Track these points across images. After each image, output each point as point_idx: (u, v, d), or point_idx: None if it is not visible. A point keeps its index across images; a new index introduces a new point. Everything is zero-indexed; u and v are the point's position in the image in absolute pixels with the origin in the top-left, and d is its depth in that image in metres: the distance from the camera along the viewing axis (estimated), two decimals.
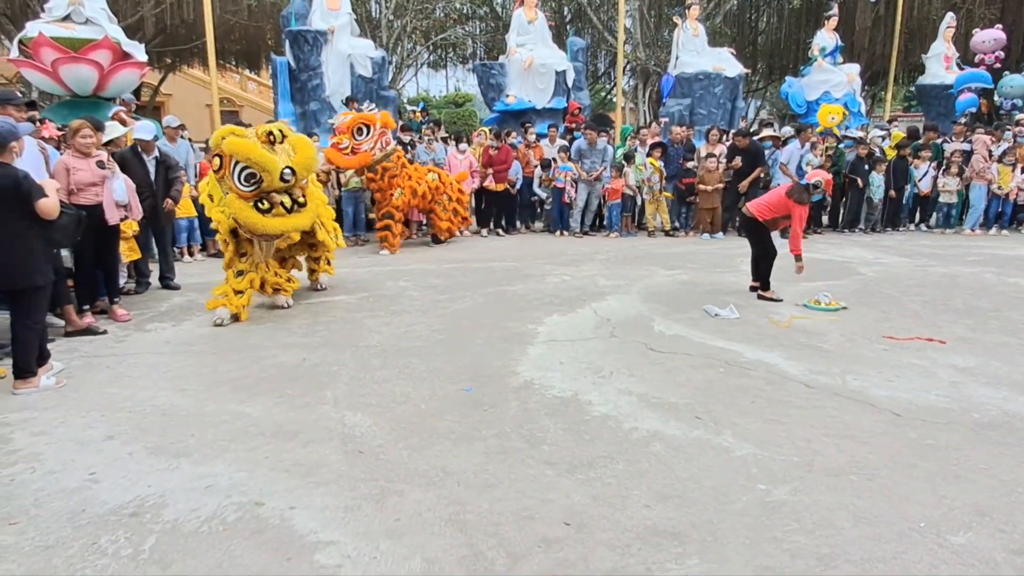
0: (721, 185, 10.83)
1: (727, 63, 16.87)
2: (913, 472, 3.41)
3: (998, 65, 18.71)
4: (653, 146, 11.50)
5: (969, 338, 5.65)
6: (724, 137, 11.71)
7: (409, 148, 11.55)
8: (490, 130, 12.23)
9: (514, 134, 12.07)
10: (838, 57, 18.18)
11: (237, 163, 5.66)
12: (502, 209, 11.61)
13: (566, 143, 11.54)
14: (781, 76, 22.40)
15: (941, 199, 12.03)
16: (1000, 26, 19.22)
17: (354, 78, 13.27)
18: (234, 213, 5.78)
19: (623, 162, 11.12)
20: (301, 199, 5.96)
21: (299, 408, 4.16)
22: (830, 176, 7.94)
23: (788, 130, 14.04)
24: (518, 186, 11.40)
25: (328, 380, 4.64)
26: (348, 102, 12.28)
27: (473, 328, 5.87)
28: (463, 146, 11.18)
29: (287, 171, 5.73)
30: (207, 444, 3.67)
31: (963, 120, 14.40)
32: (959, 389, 4.51)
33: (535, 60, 15.14)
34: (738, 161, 10.91)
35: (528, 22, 15.94)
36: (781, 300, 6.84)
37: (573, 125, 14.11)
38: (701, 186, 11.01)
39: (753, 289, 7.11)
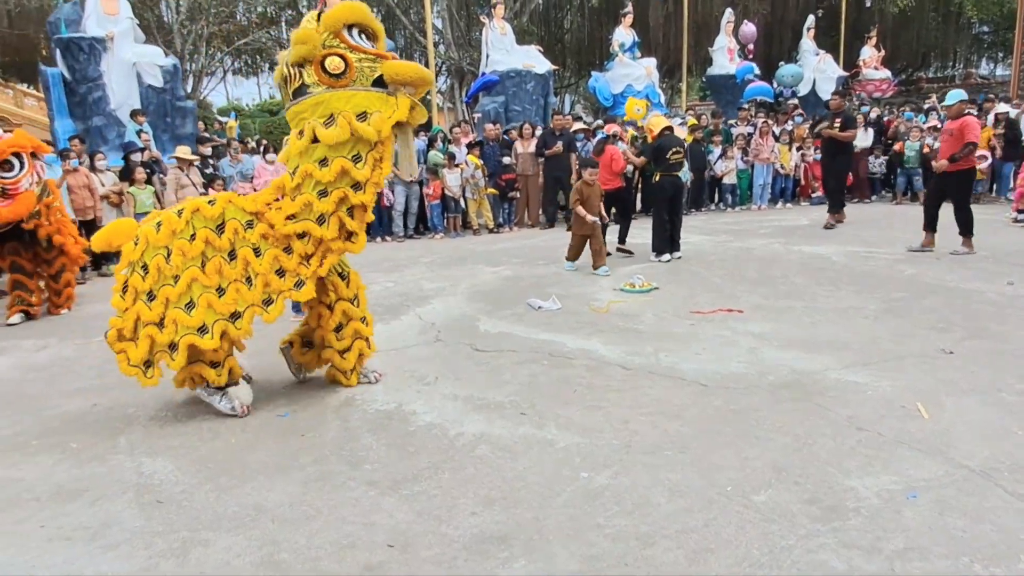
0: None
1: (536, 60, 17.32)
2: (720, 439, 3.62)
3: (750, 56, 20.85)
4: (471, 145, 11.59)
5: (763, 305, 6.15)
6: (535, 132, 12.00)
7: (210, 161, 10.82)
8: None
9: None
10: (636, 52, 19.30)
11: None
12: None
13: None
14: (588, 71, 23.45)
15: (726, 180, 13.11)
16: (747, 21, 21.47)
17: (143, 89, 12.14)
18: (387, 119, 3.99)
19: (439, 163, 11.08)
20: None
21: (86, 463, 3.68)
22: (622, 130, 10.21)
23: (598, 122, 14.74)
24: None
25: (123, 425, 4.17)
26: (135, 115, 11.26)
27: None
28: (271, 156, 10.62)
29: None
30: None
31: (747, 106, 15.83)
32: (756, 354, 4.88)
33: None
34: (559, 146, 11.31)
35: None
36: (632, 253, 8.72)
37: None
38: (580, 209, 7.79)
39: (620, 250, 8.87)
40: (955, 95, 8.23)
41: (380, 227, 11.20)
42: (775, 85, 21.30)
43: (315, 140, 3.95)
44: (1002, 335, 5.05)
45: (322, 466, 3.52)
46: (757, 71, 20.56)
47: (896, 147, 12.75)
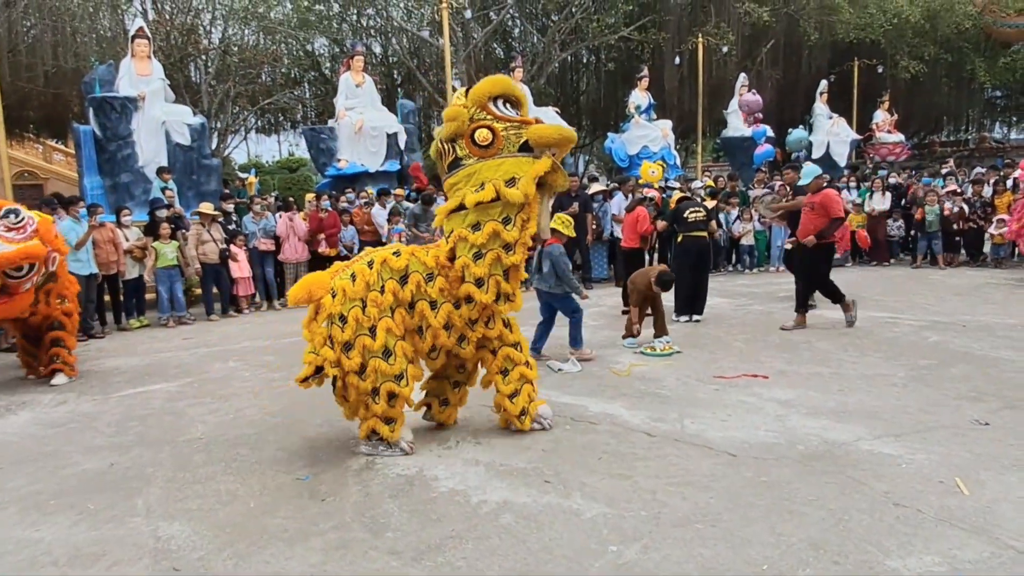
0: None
1: (554, 121, 17.63)
2: (751, 512, 3.50)
3: (758, 125, 20.91)
4: None
5: (787, 371, 6.06)
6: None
7: (233, 217, 10.99)
8: (318, 195, 11.91)
9: (344, 199, 11.82)
10: (652, 114, 19.62)
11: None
12: None
13: (396, 204, 11.47)
14: (604, 132, 23.81)
15: (744, 241, 13.15)
16: (755, 91, 21.59)
17: (170, 147, 12.42)
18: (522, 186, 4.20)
19: None
20: None
21: (103, 524, 3.62)
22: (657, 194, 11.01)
23: (613, 184, 14.90)
24: (356, 251, 11.11)
25: (140, 485, 4.11)
26: (161, 173, 11.50)
27: (311, 407, 5.49)
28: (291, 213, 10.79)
29: None
30: None
31: (763, 168, 15.97)
32: (784, 422, 4.77)
33: (365, 123, 15.03)
34: (575, 206, 11.39)
35: (356, 85, 15.85)
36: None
37: (417, 186, 14.04)
38: (634, 312, 7.34)
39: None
40: (811, 171, 7.90)
41: None
42: (787, 150, 21.49)
43: (462, 207, 4.26)
44: None
45: (343, 533, 3.43)
46: (770, 133, 20.78)
47: (916, 215, 12.77)
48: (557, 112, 18.44)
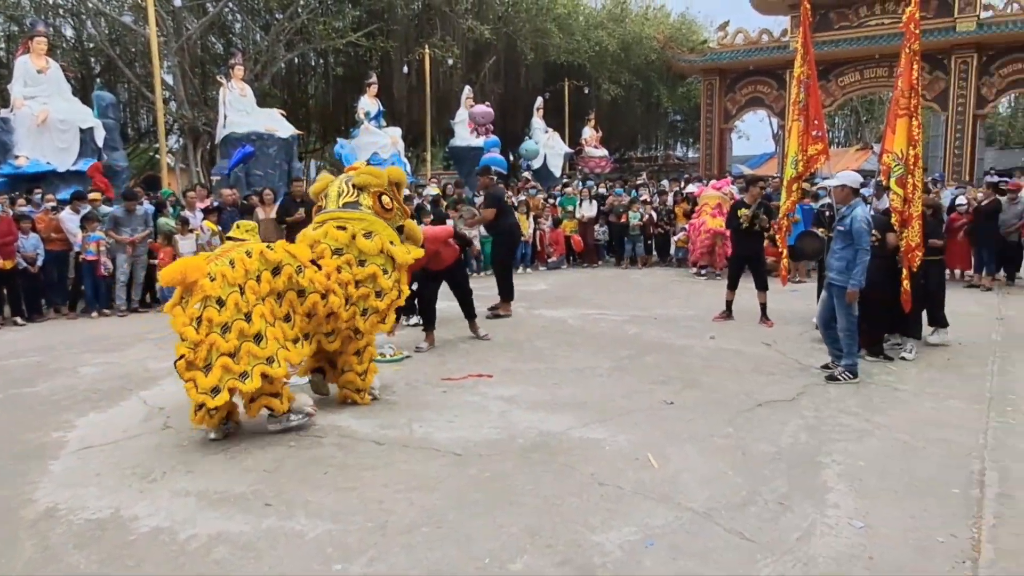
0: None
1: (279, 124, 16.86)
2: (475, 509, 3.61)
3: (488, 135, 22.02)
4: (208, 210, 10.80)
5: (511, 369, 6.40)
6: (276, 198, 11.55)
7: None
8: None
9: (22, 201, 10.12)
10: (382, 121, 19.65)
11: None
12: (19, 291, 9.56)
13: (93, 209, 10.07)
14: (334, 137, 23.32)
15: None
16: (488, 103, 22.80)
17: None
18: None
19: (170, 229, 10.16)
20: None
21: None
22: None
23: None
24: (39, 263, 9.52)
25: None
26: None
27: None
28: None
29: None
30: None
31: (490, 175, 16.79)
32: (506, 418, 5.02)
33: (51, 115, 13.00)
34: (301, 212, 10.90)
35: (38, 71, 13.61)
36: None
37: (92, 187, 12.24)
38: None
39: None
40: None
41: (96, 300, 9.86)
42: (520, 158, 22.91)
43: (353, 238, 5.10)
44: (710, 385, 5.76)
45: None
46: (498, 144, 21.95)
47: (621, 218, 14.30)
48: (283, 114, 17.67)
